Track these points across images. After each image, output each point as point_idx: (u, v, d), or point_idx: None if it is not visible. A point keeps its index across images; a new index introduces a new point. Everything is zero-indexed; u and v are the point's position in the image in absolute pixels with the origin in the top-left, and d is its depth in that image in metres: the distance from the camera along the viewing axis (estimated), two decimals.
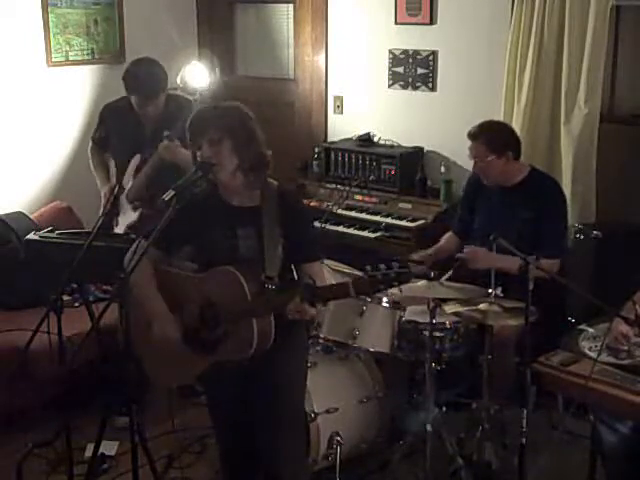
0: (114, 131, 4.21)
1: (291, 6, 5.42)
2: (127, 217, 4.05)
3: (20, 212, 4.70)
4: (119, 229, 4.05)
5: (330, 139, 5.28)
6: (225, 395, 2.88)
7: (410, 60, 4.87)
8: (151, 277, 2.75)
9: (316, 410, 3.35)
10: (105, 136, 4.26)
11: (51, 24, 4.96)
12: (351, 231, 4.65)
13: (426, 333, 3.39)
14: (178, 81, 4.96)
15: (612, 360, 2.83)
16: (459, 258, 3.65)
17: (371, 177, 4.79)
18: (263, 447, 2.79)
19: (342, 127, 5.23)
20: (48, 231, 3.62)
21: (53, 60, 5.01)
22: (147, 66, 4.05)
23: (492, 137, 3.72)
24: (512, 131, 3.85)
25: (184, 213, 2.64)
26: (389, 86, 5.00)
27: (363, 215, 4.73)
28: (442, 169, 4.67)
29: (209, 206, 2.72)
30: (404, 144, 4.91)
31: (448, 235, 4.11)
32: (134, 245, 2.76)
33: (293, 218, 2.71)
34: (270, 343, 2.60)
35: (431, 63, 4.79)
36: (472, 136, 3.74)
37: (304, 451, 2.94)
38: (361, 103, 5.18)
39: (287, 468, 2.78)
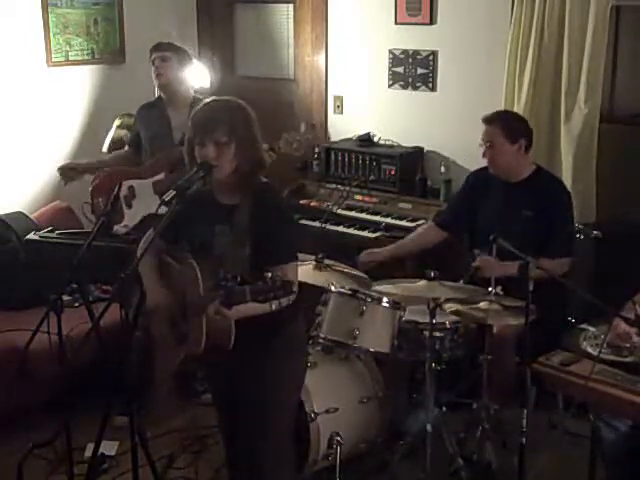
0: (143, 128, 4.25)
1: (291, 6, 5.42)
2: (145, 206, 4.02)
3: (20, 212, 4.70)
4: (130, 216, 4.08)
5: (330, 139, 5.28)
6: (220, 393, 2.89)
7: (410, 60, 4.87)
8: (150, 260, 2.76)
9: (316, 410, 3.34)
10: (137, 134, 4.29)
11: (51, 24, 4.96)
12: (351, 231, 4.65)
13: (426, 333, 3.39)
14: None
15: (614, 357, 2.83)
16: (473, 267, 3.61)
17: (371, 177, 4.79)
18: (244, 447, 2.76)
19: (342, 127, 5.23)
20: (48, 231, 3.63)
21: (53, 60, 5.01)
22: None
23: (508, 122, 3.74)
24: (527, 122, 3.86)
25: (183, 211, 2.63)
26: (389, 86, 5.00)
27: (363, 215, 4.72)
28: (442, 169, 4.67)
29: (200, 202, 2.70)
30: (404, 144, 4.91)
31: (427, 227, 4.14)
32: (146, 235, 2.81)
33: (267, 217, 2.64)
34: (230, 342, 2.53)
35: (431, 63, 4.79)
36: (488, 120, 3.74)
37: (291, 455, 2.88)
38: (361, 103, 5.18)
39: (269, 470, 2.72)
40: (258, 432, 2.72)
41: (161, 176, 4.05)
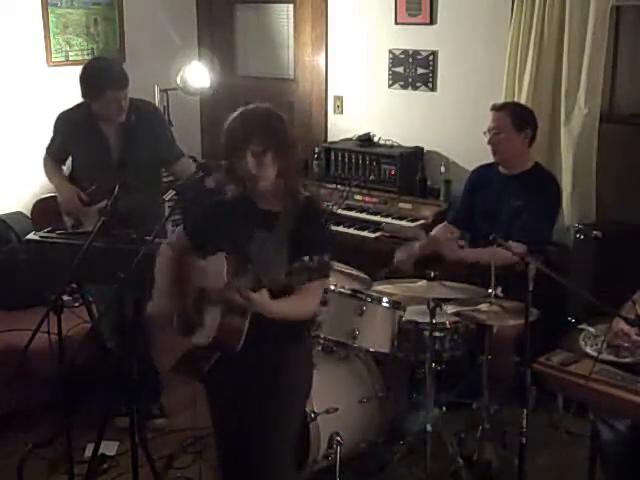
0: (75, 149, 3.92)
1: (291, 6, 5.43)
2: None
3: (20, 212, 4.70)
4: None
5: (330, 139, 5.28)
6: (221, 408, 2.81)
7: (410, 60, 4.87)
8: (168, 255, 2.75)
9: (316, 410, 3.34)
10: (62, 149, 3.96)
11: (51, 24, 4.96)
12: (351, 231, 4.65)
13: (426, 333, 3.39)
14: (178, 81, 4.97)
15: (613, 358, 2.83)
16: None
17: (371, 177, 4.79)
18: (245, 465, 2.71)
19: (342, 127, 5.23)
20: (48, 231, 3.62)
21: (53, 60, 5.01)
22: (109, 60, 3.88)
23: (517, 111, 3.82)
24: (534, 113, 3.90)
25: (215, 212, 2.65)
26: (389, 86, 5.00)
27: (363, 215, 4.73)
28: (442, 169, 4.68)
29: (238, 207, 2.65)
30: (404, 144, 4.91)
31: (442, 226, 4.16)
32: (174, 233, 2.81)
33: (305, 231, 2.53)
34: (239, 343, 2.48)
35: (431, 63, 4.79)
36: (497, 107, 3.82)
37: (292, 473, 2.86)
38: (361, 103, 5.18)
39: None
40: (261, 450, 2.66)
41: (103, 203, 3.58)
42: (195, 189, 2.87)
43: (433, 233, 4.15)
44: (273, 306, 2.44)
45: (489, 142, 3.80)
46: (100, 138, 3.83)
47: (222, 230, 2.67)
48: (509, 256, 2.98)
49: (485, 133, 3.80)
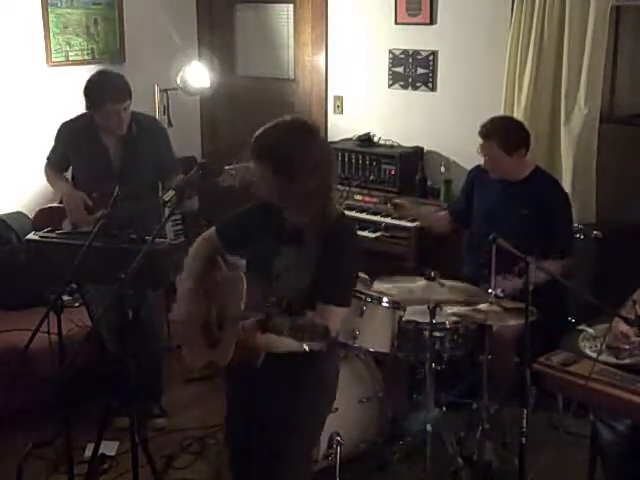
0: (76, 159, 3.96)
1: (291, 6, 5.43)
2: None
3: (20, 212, 4.70)
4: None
5: (330, 139, 5.26)
6: (238, 410, 2.77)
7: (410, 60, 4.87)
8: (200, 259, 2.69)
9: None
10: (63, 158, 3.99)
11: (51, 24, 4.96)
12: None
13: (426, 333, 3.39)
14: (178, 81, 4.97)
15: (612, 360, 2.83)
16: None
17: (371, 177, 4.79)
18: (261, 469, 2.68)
19: (342, 127, 5.23)
20: (48, 231, 3.62)
21: (53, 60, 5.01)
22: (112, 74, 3.88)
23: (505, 136, 3.71)
24: (522, 126, 3.84)
25: (251, 219, 2.61)
26: (389, 86, 5.00)
27: (363, 215, 4.73)
28: (442, 169, 4.68)
29: (269, 217, 2.58)
30: (404, 144, 4.91)
31: (444, 213, 4.21)
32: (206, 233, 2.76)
33: (332, 250, 2.44)
34: (257, 361, 2.44)
35: (431, 63, 4.79)
36: (484, 135, 3.73)
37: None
38: (361, 103, 5.18)
39: None
40: (276, 455, 2.61)
41: (101, 212, 3.54)
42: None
43: (437, 215, 4.22)
44: (280, 346, 2.33)
45: (484, 166, 3.81)
46: (100, 149, 3.87)
47: (251, 236, 2.62)
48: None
49: (478, 153, 3.78)
